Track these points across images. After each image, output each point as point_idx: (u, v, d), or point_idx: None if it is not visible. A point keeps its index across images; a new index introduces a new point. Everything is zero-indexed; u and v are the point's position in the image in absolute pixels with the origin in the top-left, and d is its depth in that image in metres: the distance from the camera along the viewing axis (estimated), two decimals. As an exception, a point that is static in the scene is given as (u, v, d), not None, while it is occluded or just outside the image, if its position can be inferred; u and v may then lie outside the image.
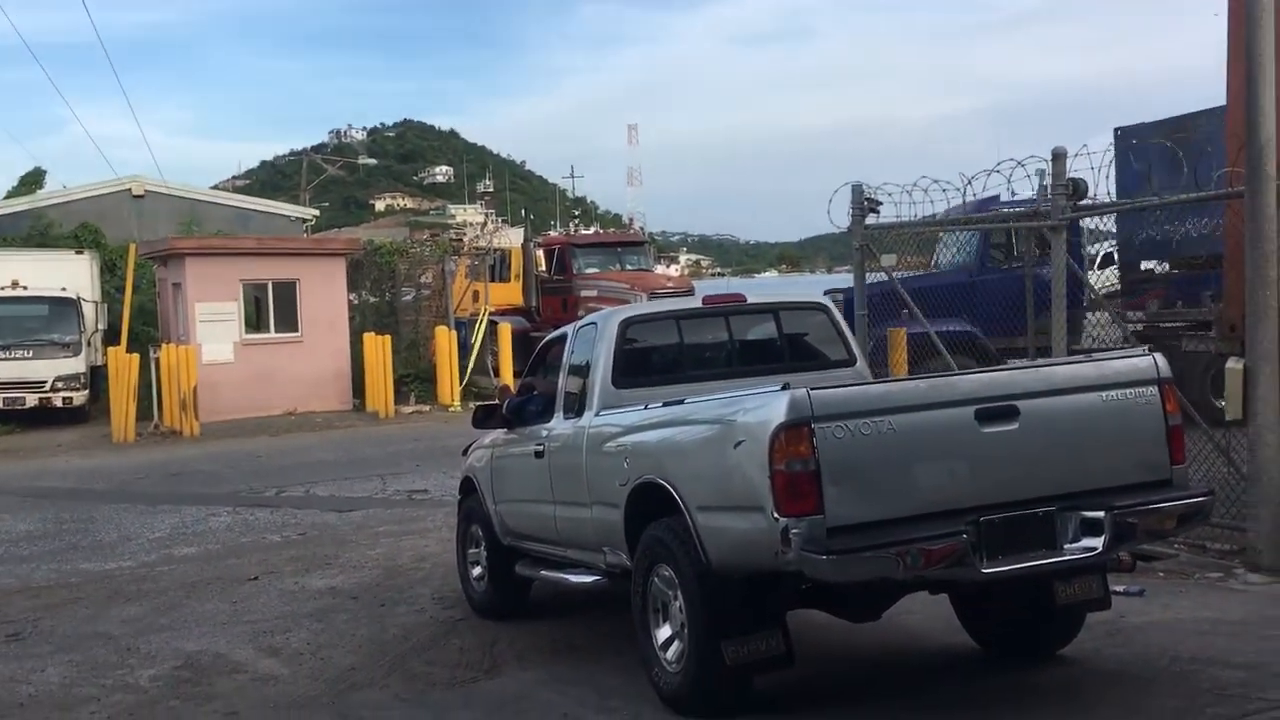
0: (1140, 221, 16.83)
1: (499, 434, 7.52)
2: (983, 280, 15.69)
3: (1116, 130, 17.01)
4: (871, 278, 11.56)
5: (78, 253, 23.56)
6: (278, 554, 9.87)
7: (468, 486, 7.93)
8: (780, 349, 6.84)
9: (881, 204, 12.25)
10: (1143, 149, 16.89)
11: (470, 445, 8.14)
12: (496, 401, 7.60)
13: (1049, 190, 8.77)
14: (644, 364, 6.56)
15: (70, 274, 22.02)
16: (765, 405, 4.72)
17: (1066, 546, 4.84)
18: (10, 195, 33.35)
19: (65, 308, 21.09)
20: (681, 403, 5.60)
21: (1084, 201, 9.26)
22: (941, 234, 17.81)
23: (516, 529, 7.22)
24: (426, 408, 21.56)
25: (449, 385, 21.84)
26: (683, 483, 5.18)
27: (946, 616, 6.08)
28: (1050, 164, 8.86)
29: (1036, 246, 15.57)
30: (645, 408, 5.86)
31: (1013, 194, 17.26)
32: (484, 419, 7.52)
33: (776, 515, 4.55)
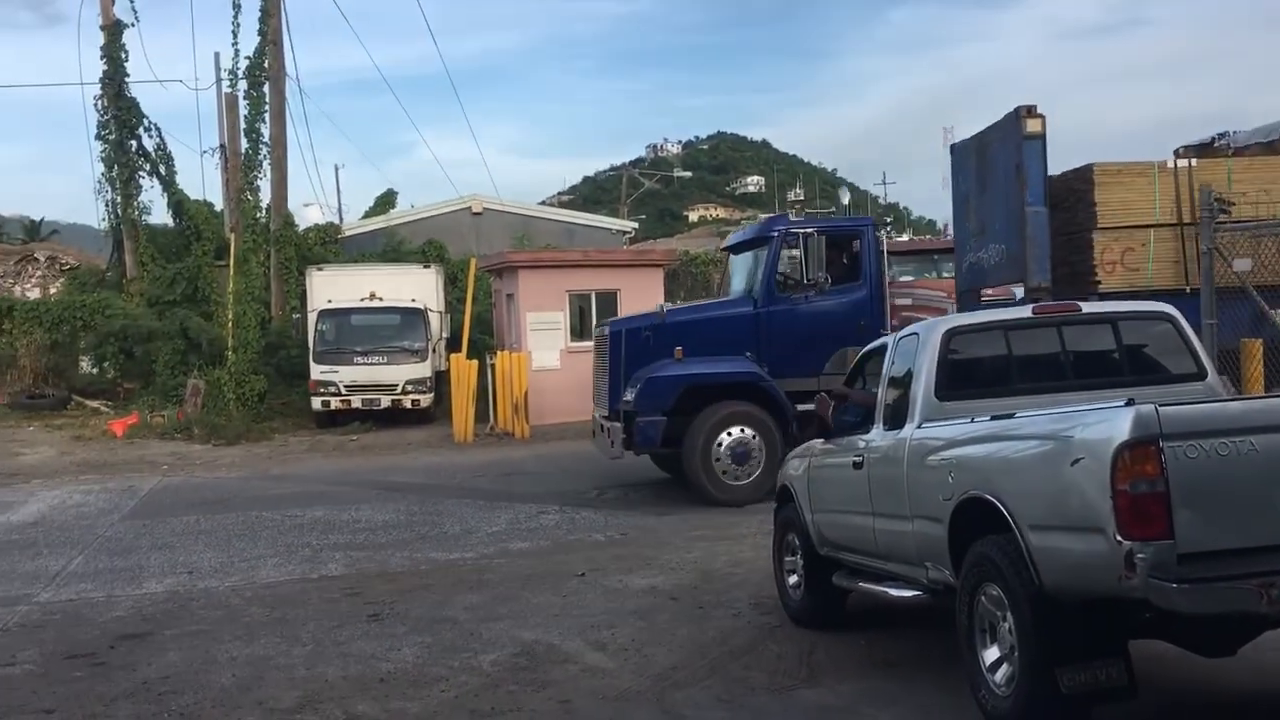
0: (964, 246, 14.47)
1: (816, 443, 7.52)
2: (769, 312, 13.17)
3: (951, 147, 14.72)
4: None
5: (425, 267, 25.61)
6: (601, 552, 10.33)
7: (784, 495, 7.98)
8: (1119, 361, 6.46)
9: (1233, 204, 11.25)
10: (963, 166, 14.46)
11: (787, 454, 8.19)
12: (814, 411, 7.61)
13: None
14: (969, 376, 6.37)
15: (419, 286, 23.98)
16: (1107, 421, 4.46)
17: None
18: (367, 215, 36.77)
19: (414, 317, 22.99)
20: (1011, 416, 5.40)
21: None
22: (731, 256, 14.99)
23: (834, 539, 7.19)
24: (740, 415, 21.79)
25: (762, 394, 22.02)
26: (1013, 500, 4.98)
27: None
28: None
29: (825, 271, 13.05)
30: (971, 421, 5.69)
31: (802, 212, 15.08)
32: (803, 428, 7.55)
33: (1119, 538, 4.29)
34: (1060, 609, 4.77)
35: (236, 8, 26.25)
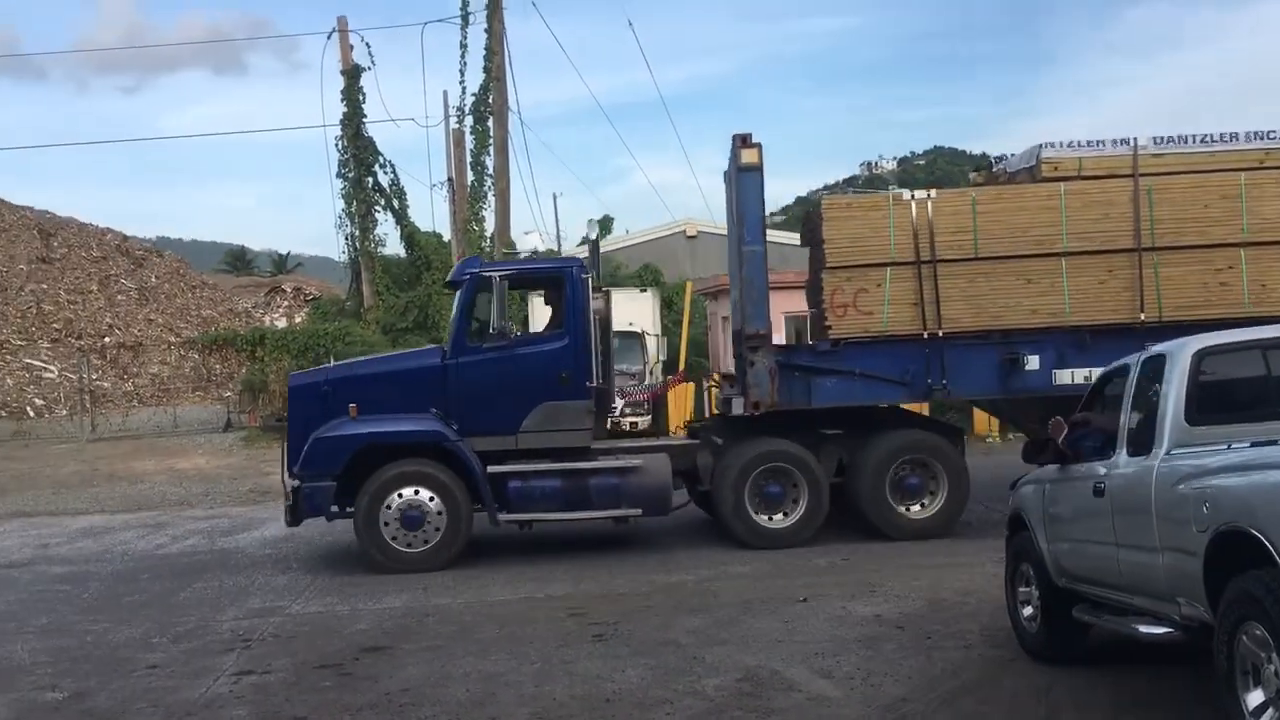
0: (731, 283, 13.12)
1: (1051, 469, 7.19)
2: (459, 364, 11.70)
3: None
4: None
5: (641, 290, 26.04)
6: (823, 577, 10.18)
7: (1016, 523, 7.66)
8: None
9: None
10: (726, 197, 13.04)
11: (1018, 480, 7.86)
12: (1049, 435, 7.28)
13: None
14: (1223, 399, 5.97)
15: (636, 310, 24.38)
16: (1389, 449, 4.07)
17: None
18: (584, 241, 37.77)
19: (632, 341, 23.38)
20: (1274, 443, 5.01)
21: None
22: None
23: (1072, 570, 6.84)
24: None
25: (986, 416, 21.27)
26: (1278, 532, 4.61)
27: None
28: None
29: (508, 320, 11.67)
30: (1228, 447, 5.31)
31: (533, 250, 13.45)
32: (1035, 453, 7.23)
33: (1406, 578, 3.90)
34: (1337, 653, 4.37)
35: (464, 48, 27.62)
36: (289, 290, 37.63)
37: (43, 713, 7.20)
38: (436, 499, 11.37)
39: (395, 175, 29.77)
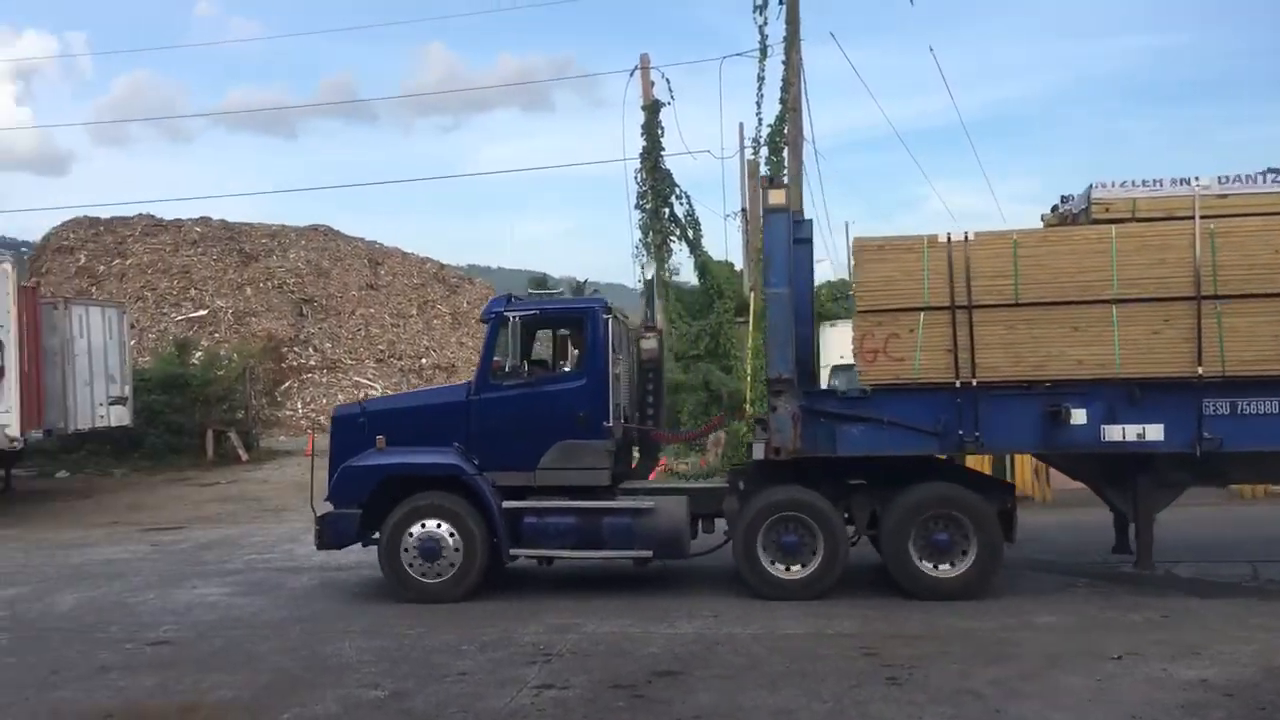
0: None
1: None
2: (481, 400, 11.79)
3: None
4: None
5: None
6: (1139, 635, 9.46)
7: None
8: None
9: None
10: None
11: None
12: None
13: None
14: None
15: None
16: None
17: None
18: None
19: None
20: None
21: None
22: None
23: None
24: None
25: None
26: None
27: None
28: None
29: (524, 359, 11.54)
30: None
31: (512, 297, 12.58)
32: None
33: None
34: None
35: (760, 80, 27.80)
36: (587, 317, 39.00)
37: (367, 709, 7.79)
38: (455, 533, 11.67)
39: (690, 206, 30.39)
